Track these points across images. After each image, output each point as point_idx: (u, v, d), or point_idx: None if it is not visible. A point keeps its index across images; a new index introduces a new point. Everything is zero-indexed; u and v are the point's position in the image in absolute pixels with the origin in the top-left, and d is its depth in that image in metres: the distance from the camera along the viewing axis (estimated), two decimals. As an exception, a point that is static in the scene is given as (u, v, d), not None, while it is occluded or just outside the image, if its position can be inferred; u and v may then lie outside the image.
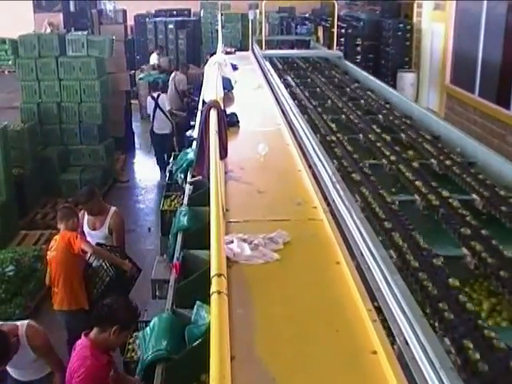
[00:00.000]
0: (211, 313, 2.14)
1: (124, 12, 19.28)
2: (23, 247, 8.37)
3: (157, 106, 12.46)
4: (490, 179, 4.74)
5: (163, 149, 12.51)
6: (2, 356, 4.48)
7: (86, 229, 6.51)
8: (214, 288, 2.26)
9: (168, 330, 3.49)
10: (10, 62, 23.11)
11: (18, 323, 4.82)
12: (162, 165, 12.23)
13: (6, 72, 23.89)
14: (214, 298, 2.20)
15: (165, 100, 12.62)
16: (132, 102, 15.87)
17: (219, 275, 2.31)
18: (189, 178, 6.07)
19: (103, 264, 6.08)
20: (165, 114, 12.50)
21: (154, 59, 18.67)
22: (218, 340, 1.94)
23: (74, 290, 5.99)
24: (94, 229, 6.45)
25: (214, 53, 11.77)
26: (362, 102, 8.01)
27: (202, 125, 5.06)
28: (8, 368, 4.92)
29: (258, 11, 16.52)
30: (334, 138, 6.00)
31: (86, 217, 6.55)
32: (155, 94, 12.78)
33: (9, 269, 7.29)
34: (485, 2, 11.32)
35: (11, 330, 4.64)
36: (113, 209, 6.62)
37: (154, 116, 12.53)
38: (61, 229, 6.06)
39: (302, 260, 3.45)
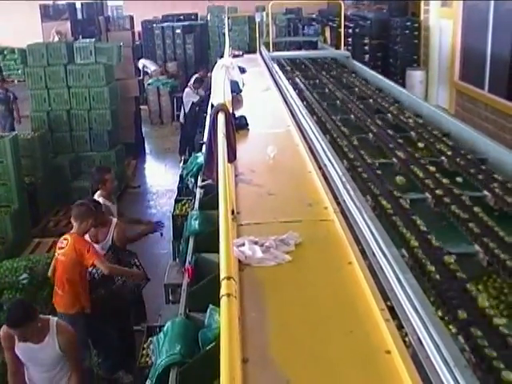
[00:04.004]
0: (221, 316, 2.14)
1: (131, 18, 19.30)
2: (36, 255, 8.37)
3: None
4: (502, 175, 4.72)
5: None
6: (24, 319, 4.65)
7: None
8: (223, 291, 2.26)
9: (182, 335, 3.49)
10: (19, 72, 23.34)
11: (50, 316, 5.05)
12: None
13: (16, 81, 24.08)
14: (223, 300, 2.20)
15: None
16: (141, 107, 15.90)
17: (228, 278, 2.31)
18: (199, 182, 6.08)
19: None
20: None
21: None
22: (228, 342, 1.94)
23: (80, 294, 5.92)
24: (96, 241, 6.29)
25: (222, 56, 11.80)
26: (371, 101, 8.00)
27: (211, 128, 5.06)
28: (32, 370, 4.98)
29: (264, 13, 16.52)
30: (343, 138, 6.00)
31: None
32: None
33: (22, 277, 7.30)
34: (492, -2, 11.28)
35: (42, 319, 4.86)
36: (115, 220, 6.53)
37: None
38: (73, 228, 5.94)
39: (313, 261, 3.44)
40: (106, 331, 6.31)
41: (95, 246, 6.19)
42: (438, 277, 3.18)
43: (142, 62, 19.26)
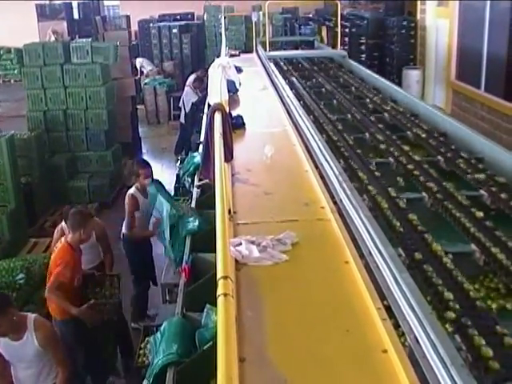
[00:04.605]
0: (218, 315, 2.14)
1: (128, 18, 19.29)
2: (33, 255, 8.36)
3: None
4: (498, 174, 4.73)
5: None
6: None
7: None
8: (220, 291, 2.26)
9: (178, 334, 3.49)
10: (15, 71, 23.31)
11: (28, 313, 5.04)
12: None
13: (12, 81, 24.05)
14: (220, 300, 2.20)
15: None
16: (138, 107, 15.87)
17: (225, 278, 2.31)
18: (196, 182, 6.08)
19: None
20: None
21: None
22: (225, 342, 1.94)
23: (68, 301, 5.73)
24: (80, 242, 6.12)
25: (219, 55, 11.79)
26: (367, 100, 8.01)
27: (208, 128, 5.06)
28: (17, 368, 4.97)
29: (261, 13, 16.53)
30: (339, 138, 6.00)
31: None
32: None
33: (19, 277, 7.29)
34: (488, -3, 11.30)
35: (19, 315, 4.86)
36: (94, 219, 6.49)
37: None
38: (69, 236, 5.84)
39: (310, 260, 3.44)
40: (96, 337, 6.24)
41: (81, 246, 6.11)
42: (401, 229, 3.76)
43: (139, 61, 19.22)
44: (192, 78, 14.13)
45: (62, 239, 5.88)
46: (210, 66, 10.56)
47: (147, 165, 7.28)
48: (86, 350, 6.07)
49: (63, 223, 6.55)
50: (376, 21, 16.46)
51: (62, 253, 5.69)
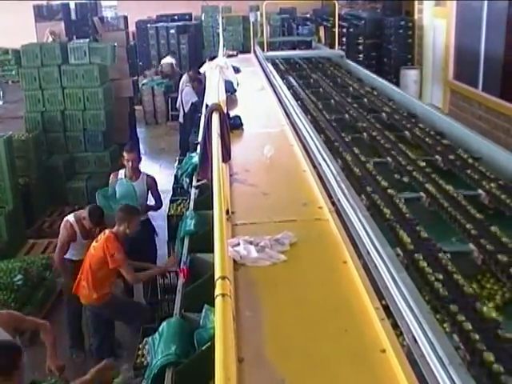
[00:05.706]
0: (215, 316, 2.14)
1: (125, 18, 19.26)
2: (31, 256, 8.37)
3: None
4: (496, 173, 4.72)
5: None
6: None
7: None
8: (218, 291, 2.26)
9: (177, 335, 3.49)
10: (13, 72, 23.27)
11: None
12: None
13: (10, 82, 24.00)
14: (218, 300, 2.20)
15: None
16: (136, 107, 15.83)
17: (223, 278, 2.31)
18: (194, 182, 6.08)
19: None
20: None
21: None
22: (223, 342, 1.94)
23: (103, 289, 5.97)
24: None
25: (215, 56, 11.79)
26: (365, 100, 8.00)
27: (205, 129, 5.06)
28: None
29: (258, 13, 16.52)
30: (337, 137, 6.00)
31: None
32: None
33: (17, 278, 7.29)
34: (485, -3, 11.30)
35: None
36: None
37: None
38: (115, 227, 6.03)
39: (308, 260, 3.44)
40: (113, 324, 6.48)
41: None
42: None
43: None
44: (185, 78, 14.09)
45: (107, 230, 6.04)
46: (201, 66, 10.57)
47: (130, 150, 7.59)
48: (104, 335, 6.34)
49: (70, 217, 6.57)
50: (373, 21, 16.48)
51: (110, 241, 5.87)
